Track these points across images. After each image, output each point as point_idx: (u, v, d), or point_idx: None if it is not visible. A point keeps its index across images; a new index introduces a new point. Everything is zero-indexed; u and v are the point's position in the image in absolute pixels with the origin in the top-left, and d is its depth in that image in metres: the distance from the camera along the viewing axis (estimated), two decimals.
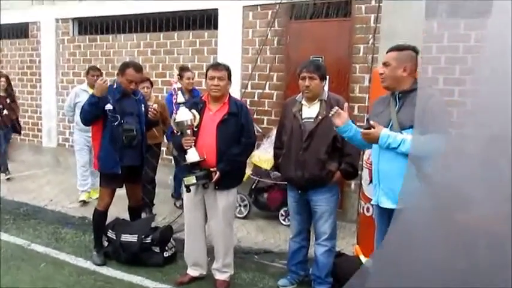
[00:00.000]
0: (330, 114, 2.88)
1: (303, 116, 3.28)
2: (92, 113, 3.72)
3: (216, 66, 3.41)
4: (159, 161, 5.46)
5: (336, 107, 2.90)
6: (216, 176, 3.31)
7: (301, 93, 3.38)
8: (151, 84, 5.23)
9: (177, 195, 5.60)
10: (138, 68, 3.88)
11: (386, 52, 2.76)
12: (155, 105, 4.07)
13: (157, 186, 5.30)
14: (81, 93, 5.46)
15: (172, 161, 5.92)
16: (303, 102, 3.34)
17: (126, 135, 3.78)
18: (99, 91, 3.73)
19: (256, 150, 4.86)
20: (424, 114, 2.08)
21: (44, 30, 7.79)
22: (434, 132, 1.95)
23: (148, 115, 3.96)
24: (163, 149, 6.15)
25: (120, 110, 3.86)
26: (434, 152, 1.66)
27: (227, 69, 3.44)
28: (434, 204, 1.42)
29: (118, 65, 4.15)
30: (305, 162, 3.23)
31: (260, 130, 5.57)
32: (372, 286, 1.51)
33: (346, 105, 2.99)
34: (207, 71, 3.47)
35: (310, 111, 3.26)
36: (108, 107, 3.81)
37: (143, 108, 4.05)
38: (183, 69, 5.47)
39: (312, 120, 3.24)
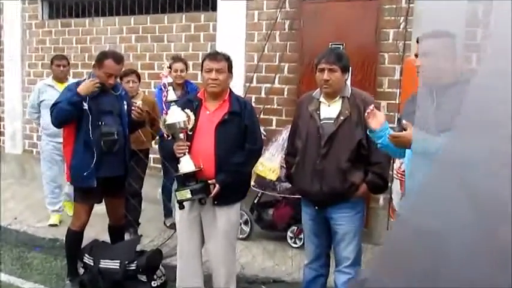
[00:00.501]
0: (366, 113, 2.88)
1: (322, 117, 3.28)
2: (72, 114, 3.73)
3: (214, 56, 3.41)
4: (147, 170, 5.51)
5: (372, 105, 2.89)
6: (215, 190, 3.30)
7: (318, 89, 3.38)
8: (139, 77, 5.19)
9: (167, 212, 5.58)
10: (119, 59, 3.88)
11: (417, 41, 2.79)
12: (139, 103, 4.08)
13: (143, 201, 5.26)
14: (47, 90, 5.38)
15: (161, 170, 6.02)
16: (321, 99, 3.33)
17: (105, 140, 3.77)
18: (86, 91, 3.75)
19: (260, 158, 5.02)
20: (467, 113, 1.99)
21: (7, 13, 7.68)
22: (477, 133, 1.93)
23: (132, 115, 3.93)
24: (152, 156, 6.23)
25: (98, 109, 3.84)
26: (479, 156, 1.70)
27: (227, 59, 3.43)
28: (479, 218, 1.51)
29: (96, 54, 4.20)
30: (323, 173, 3.23)
31: (265, 134, 5.62)
32: None
33: (372, 105, 2.94)
34: (203, 61, 3.46)
35: (329, 111, 3.26)
36: (85, 106, 3.76)
37: (126, 107, 4.03)
38: (175, 59, 5.46)
39: (332, 121, 3.24)
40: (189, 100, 3.52)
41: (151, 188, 5.83)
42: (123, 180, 4.10)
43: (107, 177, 3.92)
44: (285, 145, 4.67)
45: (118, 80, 4.20)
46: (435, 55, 2.54)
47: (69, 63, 5.57)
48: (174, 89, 4.68)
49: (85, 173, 3.83)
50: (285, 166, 4.27)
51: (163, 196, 5.64)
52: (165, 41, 6.59)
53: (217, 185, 3.31)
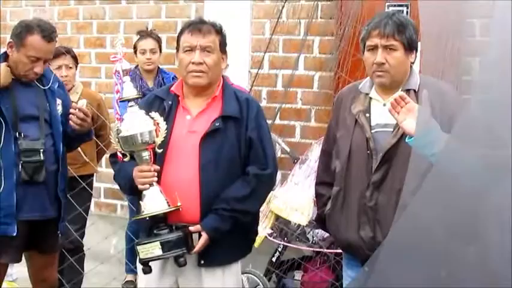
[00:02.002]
0: (389, 103, 2.88)
1: (373, 122, 3.19)
2: None
3: (197, 26, 3.27)
4: (92, 209, 5.46)
5: (400, 92, 2.89)
6: (200, 242, 3.16)
7: (367, 78, 3.30)
8: (76, 60, 5.01)
9: (129, 271, 5.54)
10: (50, 34, 3.72)
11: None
12: (83, 102, 3.95)
13: (88, 259, 5.21)
14: None
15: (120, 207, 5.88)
16: (373, 94, 3.23)
17: (25, 162, 3.68)
18: (3, 79, 3.61)
19: (278, 189, 4.83)
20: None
21: None
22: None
23: (70, 122, 3.75)
24: (102, 185, 6.14)
25: (13, 112, 3.71)
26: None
27: (219, 31, 3.31)
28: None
29: (11, 24, 4.15)
30: (377, 212, 3.13)
31: (288, 149, 5.43)
32: None
33: (400, 91, 2.97)
34: (179, 35, 3.33)
35: (387, 113, 3.10)
36: None
37: (59, 108, 3.87)
38: (141, 35, 5.35)
39: (391, 129, 3.13)
40: (158, 97, 3.38)
41: (100, 236, 5.65)
42: (56, 225, 3.90)
43: (30, 222, 3.74)
44: None
45: (47, 65, 4.02)
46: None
47: None
48: (139, 80, 4.58)
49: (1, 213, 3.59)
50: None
51: (126, 248, 5.51)
52: (123, 2, 6.63)
53: (203, 234, 3.17)
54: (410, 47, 3.11)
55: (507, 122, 2.10)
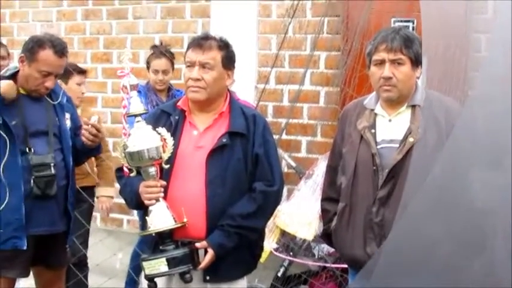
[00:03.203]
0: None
1: (379, 138, 3.20)
2: None
3: (200, 42, 3.29)
4: (98, 223, 5.47)
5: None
6: (206, 258, 3.14)
7: (373, 94, 3.30)
8: (84, 75, 5.07)
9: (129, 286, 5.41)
10: (61, 50, 3.72)
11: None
12: (95, 118, 3.90)
13: (95, 273, 5.24)
14: None
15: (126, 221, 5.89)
16: (378, 110, 3.24)
17: (36, 177, 3.68)
18: (6, 93, 3.66)
19: (284, 204, 4.75)
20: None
21: None
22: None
23: (82, 137, 3.75)
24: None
25: (23, 127, 3.72)
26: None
27: (223, 47, 3.30)
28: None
29: (21, 40, 4.18)
30: (383, 228, 3.11)
31: (294, 164, 5.36)
32: None
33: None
34: (186, 51, 3.35)
35: (392, 129, 3.19)
36: None
37: (68, 122, 3.90)
38: (155, 52, 5.26)
39: (397, 145, 3.14)
40: (164, 112, 3.38)
41: (106, 251, 5.67)
42: (64, 240, 3.91)
43: (38, 236, 3.73)
44: None
45: (58, 81, 4.06)
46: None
47: (8, 55, 5.17)
48: (145, 95, 4.58)
49: (9, 227, 3.65)
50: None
51: (132, 263, 5.40)
52: (130, 17, 6.56)
53: (209, 251, 3.15)
54: (416, 61, 3.10)
55: (508, 133, 2.15)
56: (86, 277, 4.96)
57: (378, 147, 3.14)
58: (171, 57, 5.16)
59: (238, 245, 3.21)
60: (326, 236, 3.54)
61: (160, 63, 5.10)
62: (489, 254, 2.20)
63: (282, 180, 3.35)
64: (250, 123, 3.27)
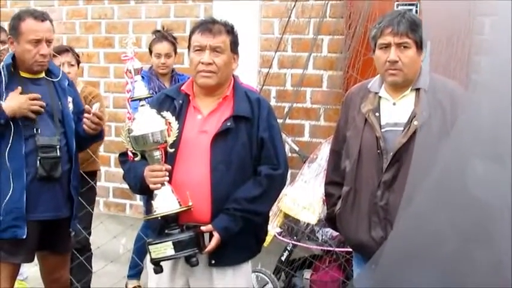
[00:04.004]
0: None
1: (383, 121, 3.19)
2: None
3: (208, 26, 3.27)
4: (102, 208, 5.45)
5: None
6: (212, 242, 3.13)
7: (377, 77, 3.29)
8: (78, 59, 4.98)
9: (133, 274, 5.47)
10: (41, 15, 3.71)
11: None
12: (97, 106, 3.87)
13: (98, 258, 5.23)
14: None
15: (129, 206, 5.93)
16: (382, 93, 3.23)
17: (42, 157, 3.67)
18: (17, 111, 3.63)
19: (288, 188, 4.71)
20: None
21: None
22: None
23: (84, 126, 3.74)
24: (111, 185, 6.13)
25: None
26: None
27: (230, 31, 3.30)
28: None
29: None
30: (388, 212, 3.11)
31: (297, 148, 5.39)
32: None
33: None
34: (190, 35, 3.32)
35: (396, 112, 3.18)
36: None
37: (70, 105, 3.87)
38: (157, 36, 5.23)
39: (401, 129, 3.13)
40: (168, 96, 3.37)
41: (109, 236, 5.60)
42: (68, 225, 3.88)
43: (43, 222, 3.72)
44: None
45: (57, 64, 4.02)
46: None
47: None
48: (148, 79, 4.55)
49: (11, 215, 3.64)
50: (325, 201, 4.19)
51: (134, 247, 5.41)
52: (132, 2, 6.59)
53: (215, 234, 3.14)
54: (422, 45, 3.07)
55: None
56: (89, 262, 4.98)
57: (382, 130, 3.13)
58: (173, 41, 5.11)
59: (244, 229, 3.20)
60: (330, 220, 3.54)
61: (163, 46, 5.07)
62: (495, 245, 2.20)
63: (286, 164, 3.35)
64: (255, 107, 3.26)
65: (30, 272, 4.13)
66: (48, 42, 3.72)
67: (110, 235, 5.56)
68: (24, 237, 3.63)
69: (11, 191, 3.67)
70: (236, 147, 3.21)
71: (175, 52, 5.14)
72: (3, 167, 3.65)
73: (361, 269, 3.33)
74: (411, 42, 3.06)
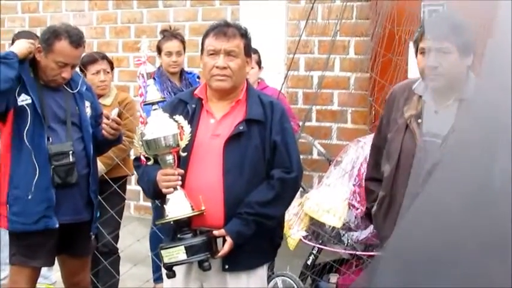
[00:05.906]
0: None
1: (424, 129, 3.06)
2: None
3: (222, 29, 3.26)
4: (132, 211, 5.47)
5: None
6: (225, 247, 3.13)
7: (420, 79, 3.15)
8: (112, 66, 4.99)
9: (156, 278, 5.37)
10: (77, 40, 3.72)
11: None
12: (115, 111, 3.93)
13: (124, 261, 5.18)
14: None
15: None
16: (426, 97, 3.10)
17: (56, 166, 3.68)
18: (24, 52, 3.69)
19: (313, 190, 4.78)
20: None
21: None
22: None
23: (103, 131, 3.77)
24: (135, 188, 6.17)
25: (42, 115, 3.71)
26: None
27: (243, 35, 3.29)
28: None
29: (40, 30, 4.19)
30: None
31: (323, 151, 5.36)
32: None
33: None
34: (204, 38, 3.31)
35: (438, 121, 3.06)
36: (24, 99, 3.67)
37: (88, 110, 3.91)
38: (165, 35, 5.22)
39: (440, 142, 2.93)
40: (182, 101, 3.37)
41: (134, 238, 5.60)
42: (88, 229, 3.91)
43: (63, 225, 3.72)
44: (354, 171, 4.59)
45: (77, 70, 4.07)
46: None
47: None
48: (161, 83, 4.57)
49: (39, 207, 3.64)
50: (357, 201, 4.16)
51: (151, 248, 5.39)
52: (161, 6, 6.66)
53: (228, 239, 3.13)
54: (466, 50, 2.97)
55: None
56: (116, 265, 5.03)
57: (424, 139, 3.04)
58: (182, 39, 5.14)
59: (257, 234, 3.18)
60: (368, 216, 3.54)
61: (173, 44, 5.09)
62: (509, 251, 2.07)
63: (300, 167, 3.33)
64: (268, 110, 3.24)
65: (58, 276, 4.16)
66: (73, 67, 3.79)
67: (137, 238, 5.57)
68: (57, 226, 3.67)
69: (36, 181, 3.71)
70: (249, 151, 3.20)
71: (184, 50, 5.13)
72: (26, 161, 3.72)
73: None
74: (453, 47, 2.92)
